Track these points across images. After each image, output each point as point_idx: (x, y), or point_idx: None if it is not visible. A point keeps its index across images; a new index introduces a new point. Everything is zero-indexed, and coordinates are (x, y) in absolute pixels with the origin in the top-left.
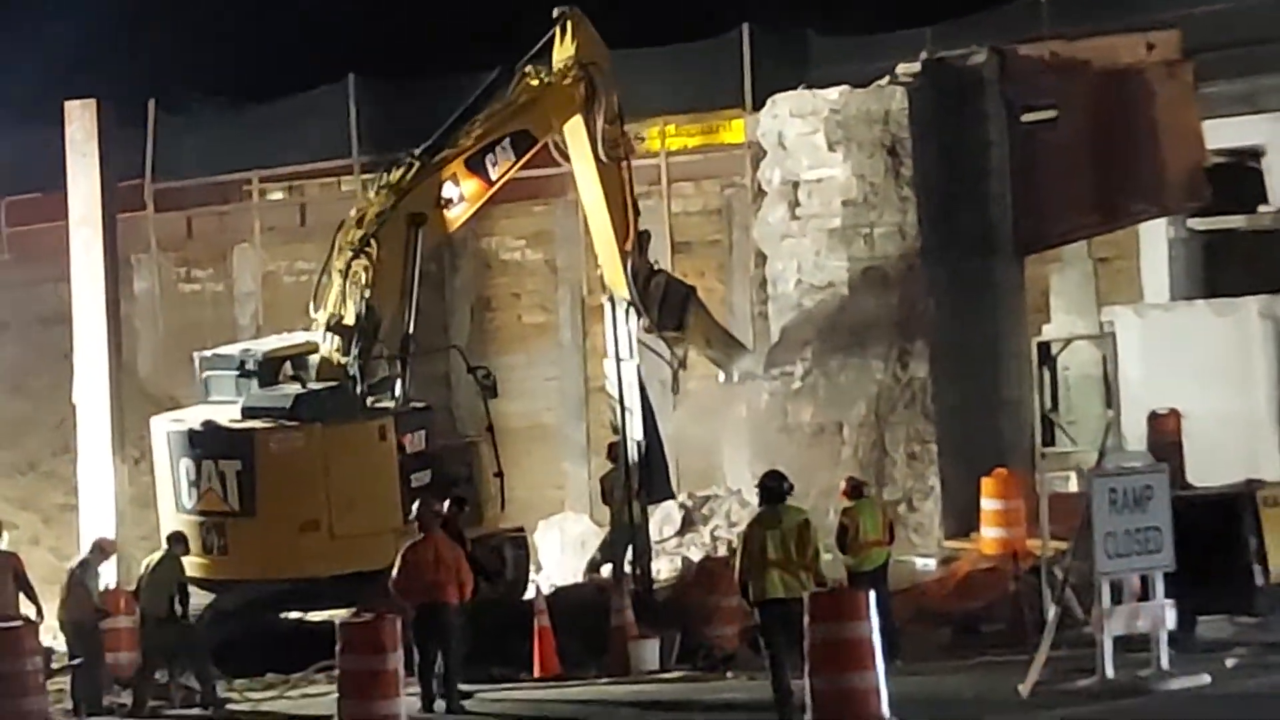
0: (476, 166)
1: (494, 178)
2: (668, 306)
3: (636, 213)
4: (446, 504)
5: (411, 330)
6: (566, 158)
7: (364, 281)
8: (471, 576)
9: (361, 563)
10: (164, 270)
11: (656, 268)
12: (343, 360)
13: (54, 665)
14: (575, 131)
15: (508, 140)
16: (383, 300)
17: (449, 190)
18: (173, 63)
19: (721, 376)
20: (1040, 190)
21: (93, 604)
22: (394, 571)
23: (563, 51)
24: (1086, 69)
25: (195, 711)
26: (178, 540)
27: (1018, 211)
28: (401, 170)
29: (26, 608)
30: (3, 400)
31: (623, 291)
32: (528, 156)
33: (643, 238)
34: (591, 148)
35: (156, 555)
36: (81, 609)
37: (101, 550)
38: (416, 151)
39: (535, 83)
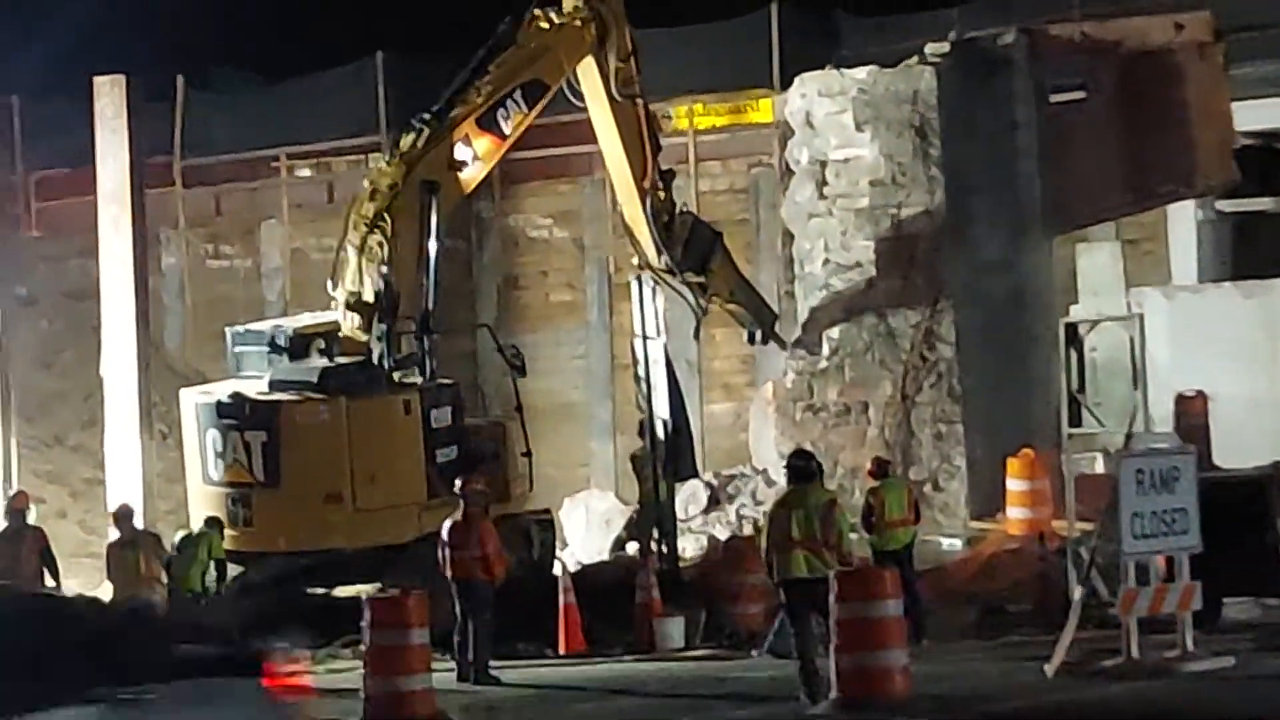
0: (489, 123)
1: (508, 132)
2: (692, 247)
3: (656, 148)
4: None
5: (432, 305)
6: (580, 96)
7: (380, 257)
8: (503, 556)
9: (384, 536)
10: (192, 246)
11: (684, 209)
12: (364, 338)
13: None
14: (588, 72)
15: (519, 92)
16: (400, 274)
17: (461, 152)
18: (202, 39)
19: (745, 336)
20: (1068, 171)
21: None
22: (440, 548)
23: None
24: (1116, 49)
25: None
26: (214, 523)
27: (1046, 192)
28: (411, 137)
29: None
30: (32, 374)
31: (642, 229)
32: (541, 106)
33: (666, 176)
34: (605, 87)
35: (189, 531)
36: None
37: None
38: (426, 115)
39: (545, 25)
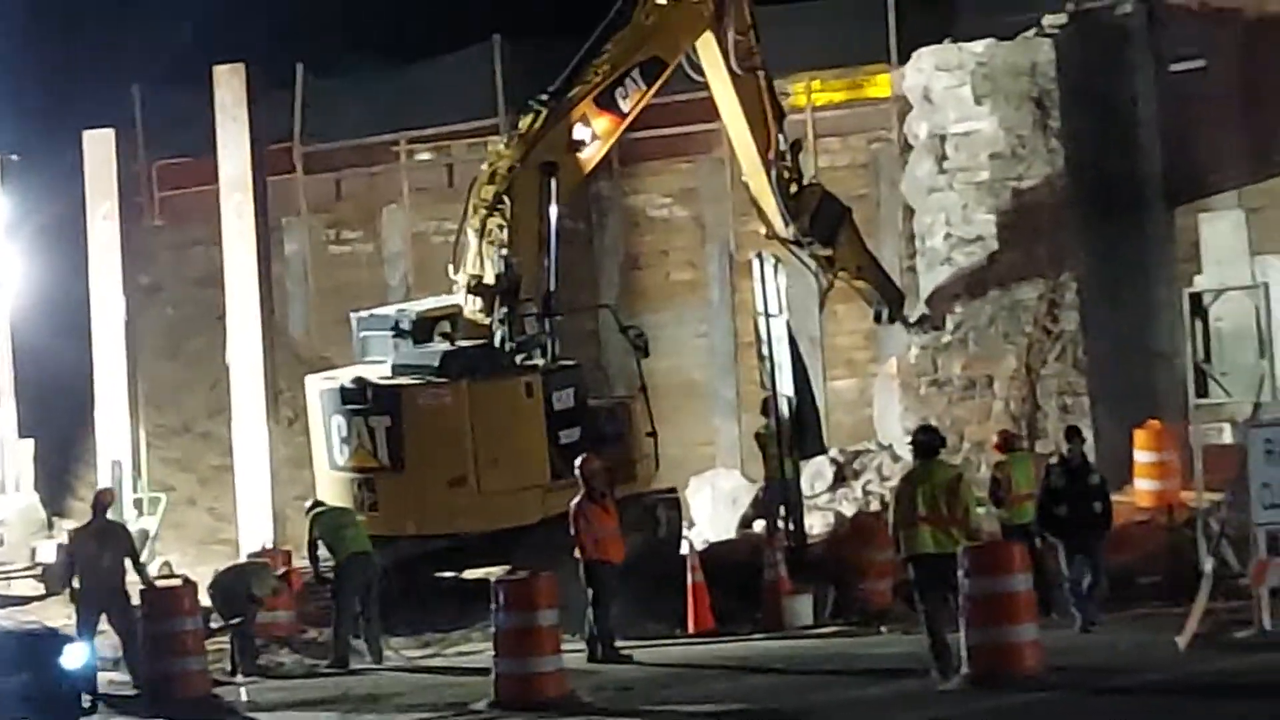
0: (607, 103)
1: (626, 111)
2: (820, 218)
3: (781, 116)
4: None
5: (554, 286)
6: (700, 71)
7: (500, 239)
8: (619, 536)
9: (509, 519)
10: (314, 232)
11: (813, 180)
12: (486, 320)
13: (212, 626)
14: (707, 47)
15: (637, 70)
16: (521, 256)
17: (579, 132)
18: (320, 25)
19: (871, 315)
20: (1190, 140)
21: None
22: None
23: None
24: (1236, 17)
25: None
26: (322, 504)
27: (1167, 162)
28: (530, 118)
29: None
30: (159, 363)
31: (768, 200)
32: (659, 83)
33: (793, 147)
34: (725, 61)
35: (327, 506)
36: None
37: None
38: (544, 97)
39: (662, 2)
